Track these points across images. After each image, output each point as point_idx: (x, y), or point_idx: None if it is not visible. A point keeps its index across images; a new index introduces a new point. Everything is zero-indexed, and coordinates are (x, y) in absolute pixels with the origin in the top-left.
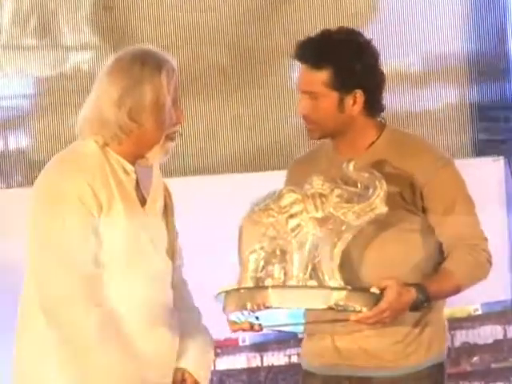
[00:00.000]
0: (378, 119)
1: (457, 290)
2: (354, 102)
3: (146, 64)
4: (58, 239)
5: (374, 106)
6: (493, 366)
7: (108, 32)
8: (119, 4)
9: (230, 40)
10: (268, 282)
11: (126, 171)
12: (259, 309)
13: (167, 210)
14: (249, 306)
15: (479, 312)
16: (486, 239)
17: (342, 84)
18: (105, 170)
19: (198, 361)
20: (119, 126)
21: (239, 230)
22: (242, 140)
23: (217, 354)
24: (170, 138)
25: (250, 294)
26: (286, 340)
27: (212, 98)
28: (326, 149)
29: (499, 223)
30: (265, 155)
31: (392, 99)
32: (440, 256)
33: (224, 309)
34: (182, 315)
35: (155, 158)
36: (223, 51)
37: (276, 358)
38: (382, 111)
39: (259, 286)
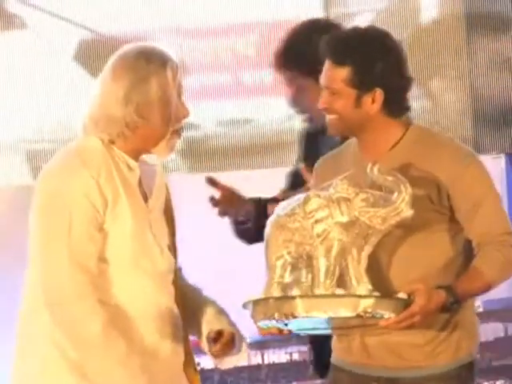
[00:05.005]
0: (403, 118)
1: (487, 288)
2: (373, 101)
3: (151, 60)
4: (63, 235)
5: (395, 105)
6: (494, 363)
7: None
8: None
9: None
10: (295, 291)
11: (129, 167)
12: (287, 319)
13: (168, 209)
14: (276, 315)
15: (480, 309)
16: None
17: (361, 82)
18: (109, 165)
19: (221, 319)
20: (126, 123)
21: (265, 235)
22: None
23: None
24: (176, 133)
25: (277, 303)
26: (287, 338)
27: None
28: (353, 147)
29: None
30: None
31: None
32: (470, 252)
33: (252, 317)
34: (186, 295)
35: (161, 153)
36: None
37: (277, 356)
38: (407, 111)
39: (287, 295)
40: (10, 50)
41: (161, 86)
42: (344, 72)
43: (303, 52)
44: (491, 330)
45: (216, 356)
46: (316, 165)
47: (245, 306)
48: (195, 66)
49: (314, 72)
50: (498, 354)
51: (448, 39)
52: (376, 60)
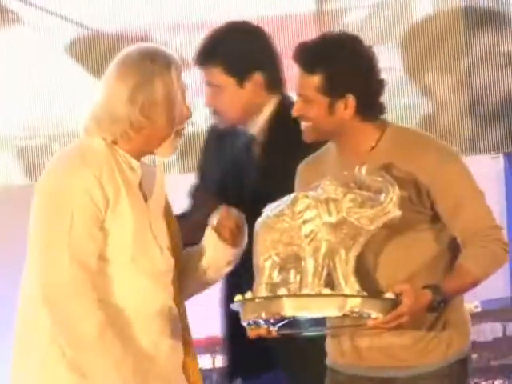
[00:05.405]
0: (380, 120)
1: (474, 284)
2: (346, 107)
3: (156, 60)
4: (64, 233)
5: (369, 110)
6: (492, 363)
7: None
8: None
9: None
10: (282, 291)
11: (131, 167)
12: (274, 318)
13: (167, 210)
14: (263, 315)
15: (479, 309)
16: (498, 227)
17: (333, 89)
18: (111, 165)
19: None
20: (130, 123)
21: (254, 235)
22: None
23: (216, 351)
24: (178, 133)
25: (264, 303)
26: None
27: None
28: (332, 151)
29: (498, 220)
30: None
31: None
32: (456, 249)
33: (240, 317)
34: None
35: (164, 154)
36: None
37: None
38: (381, 114)
39: (274, 295)
40: (5, 45)
41: (165, 86)
42: (315, 80)
43: (223, 51)
44: (489, 330)
45: (226, 238)
46: (299, 168)
47: (234, 305)
48: (187, 60)
49: (234, 73)
50: (497, 353)
51: (445, 35)
52: (346, 67)
